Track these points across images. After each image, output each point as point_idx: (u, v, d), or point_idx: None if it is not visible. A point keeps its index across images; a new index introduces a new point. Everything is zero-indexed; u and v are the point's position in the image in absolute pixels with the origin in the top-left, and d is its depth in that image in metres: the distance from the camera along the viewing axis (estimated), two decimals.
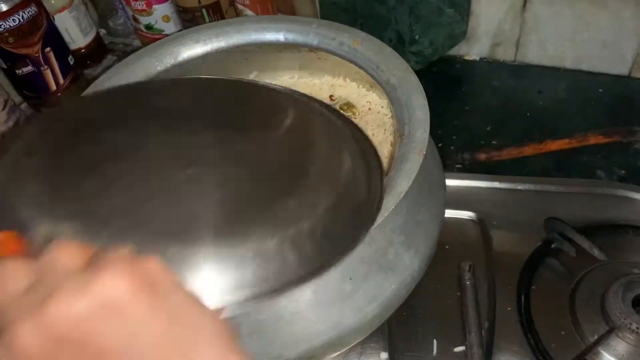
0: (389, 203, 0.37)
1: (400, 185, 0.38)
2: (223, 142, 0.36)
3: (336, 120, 0.40)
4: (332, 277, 0.39)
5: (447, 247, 0.61)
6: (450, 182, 0.65)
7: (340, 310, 0.39)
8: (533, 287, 0.55)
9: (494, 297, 0.55)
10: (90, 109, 0.40)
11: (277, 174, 0.34)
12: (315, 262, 0.30)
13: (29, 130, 0.38)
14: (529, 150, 0.69)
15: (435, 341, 0.53)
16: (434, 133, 0.44)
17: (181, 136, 0.36)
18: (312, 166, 0.35)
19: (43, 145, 0.35)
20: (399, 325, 0.55)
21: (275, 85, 0.44)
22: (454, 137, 0.75)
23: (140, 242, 0.27)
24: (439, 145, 0.72)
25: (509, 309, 0.54)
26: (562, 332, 0.51)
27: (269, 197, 0.32)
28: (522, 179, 0.65)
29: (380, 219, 0.37)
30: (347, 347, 0.42)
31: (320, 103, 0.42)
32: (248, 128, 0.38)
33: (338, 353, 0.42)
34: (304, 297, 0.38)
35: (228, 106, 0.40)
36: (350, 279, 0.39)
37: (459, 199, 0.64)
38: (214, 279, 0.28)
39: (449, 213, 0.63)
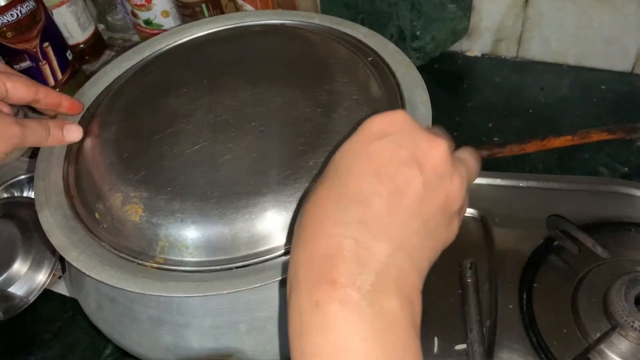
0: None
1: None
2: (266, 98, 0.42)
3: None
4: None
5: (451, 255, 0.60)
6: None
7: None
8: (535, 285, 0.55)
9: (495, 295, 0.55)
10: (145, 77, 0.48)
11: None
12: None
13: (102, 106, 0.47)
14: (531, 147, 0.68)
15: (436, 339, 0.53)
16: None
17: (225, 96, 0.43)
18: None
19: (113, 118, 0.44)
20: None
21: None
22: (455, 133, 0.73)
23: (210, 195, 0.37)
24: None
25: (510, 306, 0.54)
26: (564, 330, 0.51)
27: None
28: (524, 176, 0.64)
29: None
30: None
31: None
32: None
33: None
34: None
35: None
36: None
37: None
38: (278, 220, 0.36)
39: None
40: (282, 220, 0.37)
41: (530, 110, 0.78)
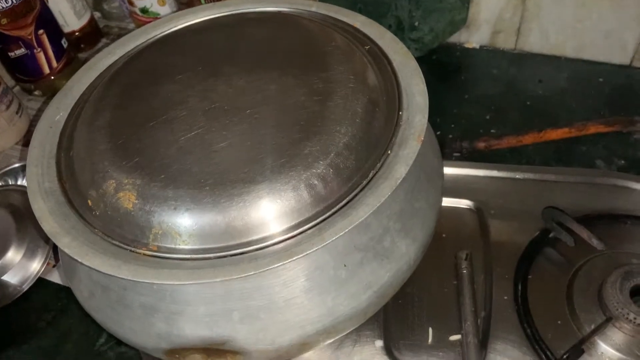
0: (386, 189, 0.37)
1: (397, 171, 0.37)
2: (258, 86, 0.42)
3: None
4: (326, 263, 0.38)
5: (443, 235, 0.60)
6: (448, 171, 0.65)
7: (335, 298, 0.39)
8: (530, 277, 0.55)
9: (490, 286, 0.54)
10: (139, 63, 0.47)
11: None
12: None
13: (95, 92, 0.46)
14: (528, 139, 0.68)
15: (430, 329, 0.53)
16: (432, 121, 0.43)
17: (220, 83, 0.43)
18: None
19: (106, 105, 0.44)
20: (395, 313, 0.54)
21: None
22: (453, 125, 0.74)
23: (204, 183, 0.37)
24: (438, 133, 0.72)
25: (505, 298, 0.54)
26: (559, 322, 0.51)
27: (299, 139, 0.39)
28: (520, 167, 0.64)
29: (377, 204, 0.36)
30: (341, 335, 0.41)
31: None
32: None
33: (332, 340, 0.41)
34: (298, 283, 0.38)
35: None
36: (345, 266, 0.39)
37: (457, 188, 0.63)
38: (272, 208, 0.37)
39: (447, 202, 0.62)
40: (276, 208, 0.36)
41: (528, 103, 0.77)
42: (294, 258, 0.36)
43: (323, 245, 0.35)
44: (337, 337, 0.41)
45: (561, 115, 0.74)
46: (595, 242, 0.52)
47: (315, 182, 0.37)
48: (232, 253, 0.37)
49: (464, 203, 0.62)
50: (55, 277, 0.71)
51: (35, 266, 0.70)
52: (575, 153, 0.69)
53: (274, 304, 0.38)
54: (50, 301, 0.69)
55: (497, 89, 0.80)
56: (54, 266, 0.72)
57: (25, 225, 0.71)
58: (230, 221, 0.36)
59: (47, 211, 0.39)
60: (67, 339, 0.66)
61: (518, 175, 0.63)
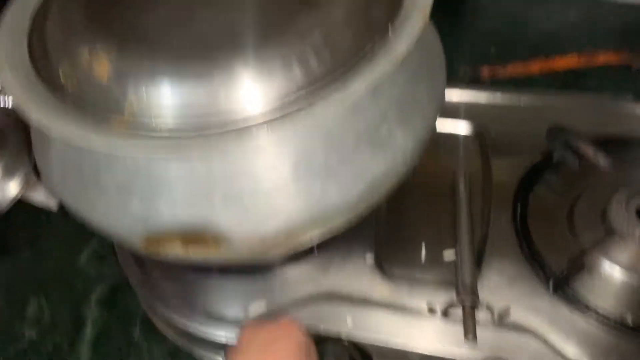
0: (386, 65, 0.34)
1: (399, 47, 0.34)
2: None
3: None
4: (316, 147, 0.35)
5: (442, 160, 0.57)
6: (450, 96, 0.62)
7: (324, 185, 0.36)
8: (530, 199, 0.52)
9: (488, 207, 0.52)
10: None
11: None
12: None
13: None
14: (535, 66, 0.65)
15: (424, 247, 0.50)
16: None
17: None
18: None
19: None
20: (388, 230, 0.52)
21: None
22: (456, 54, 0.71)
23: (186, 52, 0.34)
24: None
25: (503, 219, 0.51)
26: (559, 242, 0.48)
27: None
28: (525, 93, 0.61)
29: (375, 78, 0.33)
30: (329, 229, 0.39)
31: None
32: None
33: (320, 234, 0.39)
34: (284, 165, 0.35)
35: None
36: (337, 152, 0.36)
37: (458, 113, 0.60)
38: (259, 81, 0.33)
39: (447, 127, 0.59)
40: (264, 82, 0.33)
41: (535, 39, 0.74)
42: (282, 132, 0.33)
43: (314, 120, 0.33)
44: (325, 233, 0.39)
45: (570, 48, 0.70)
46: (600, 160, 0.50)
47: (308, 55, 0.34)
48: (213, 132, 0.34)
49: (464, 128, 0.59)
50: (35, 197, 0.68)
51: (14, 187, 0.67)
52: (583, 87, 0.66)
53: (259, 187, 0.35)
54: (30, 222, 0.67)
55: (505, 24, 0.77)
56: (34, 186, 0.69)
57: (4, 145, 0.68)
58: (212, 94, 0.33)
59: (16, 84, 0.36)
60: (47, 257, 0.63)
61: (522, 102, 0.60)
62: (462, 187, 0.52)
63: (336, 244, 0.51)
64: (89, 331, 0.57)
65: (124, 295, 0.58)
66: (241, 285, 0.50)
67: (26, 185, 0.68)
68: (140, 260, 0.53)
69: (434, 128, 0.42)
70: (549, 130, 0.54)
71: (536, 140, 0.56)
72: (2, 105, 0.72)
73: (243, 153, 0.34)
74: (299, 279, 0.49)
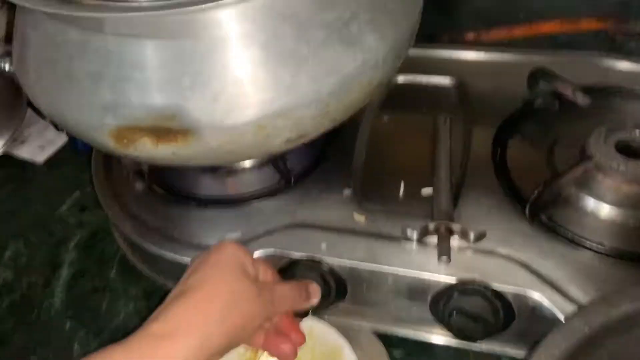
0: None
1: None
2: None
3: None
4: (285, 33, 0.36)
5: (424, 106, 0.58)
6: (432, 53, 0.63)
7: (294, 75, 0.36)
8: (510, 142, 0.52)
9: (468, 146, 0.52)
10: None
11: None
12: None
13: None
14: (518, 31, 0.66)
15: (402, 183, 0.50)
16: None
17: None
18: None
19: None
20: (367, 167, 0.52)
21: None
22: (440, 19, 0.72)
23: None
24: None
25: (482, 159, 0.51)
26: (538, 175, 0.48)
27: None
28: (507, 52, 0.62)
29: None
30: (301, 128, 0.39)
31: None
32: None
33: (291, 135, 0.39)
34: (253, 50, 0.35)
35: None
36: (307, 42, 0.36)
37: (439, 67, 0.61)
38: None
39: (427, 79, 0.60)
40: None
41: (521, 15, 0.75)
42: (251, 15, 0.34)
43: (283, 4, 0.33)
44: (297, 134, 0.39)
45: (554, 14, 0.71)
46: (579, 98, 0.50)
47: None
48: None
49: (445, 81, 0.60)
50: (22, 153, 0.69)
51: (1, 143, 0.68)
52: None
53: (227, 72, 0.35)
54: (16, 175, 0.67)
55: (489, 3, 0.78)
56: (22, 142, 0.70)
57: None
58: None
59: None
60: (29, 206, 0.63)
61: (504, 58, 0.61)
62: (442, 126, 0.53)
63: (314, 179, 0.51)
64: (64, 272, 0.56)
65: (103, 241, 0.58)
66: (218, 216, 0.50)
67: (13, 141, 0.69)
68: (119, 193, 0.53)
69: (407, 46, 0.43)
70: (530, 74, 0.54)
71: (517, 93, 0.56)
72: None
73: (212, 35, 0.35)
74: (275, 211, 0.49)
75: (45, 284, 0.55)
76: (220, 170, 0.53)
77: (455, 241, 0.44)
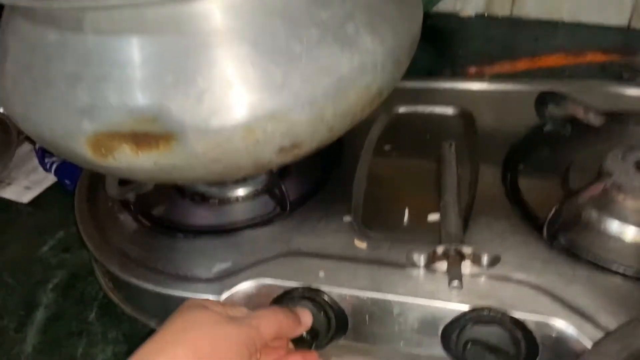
0: None
1: None
2: None
3: None
4: (277, 30, 0.33)
5: (427, 136, 0.55)
6: (436, 85, 0.61)
7: (286, 74, 0.33)
8: (521, 166, 0.49)
9: (476, 174, 0.49)
10: None
11: None
12: None
13: None
14: (522, 64, 0.65)
15: (407, 210, 0.46)
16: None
17: None
18: None
19: None
20: (369, 194, 0.48)
21: None
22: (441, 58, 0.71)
23: None
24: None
25: (491, 184, 0.48)
26: (553, 200, 0.44)
27: None
28: (511, 82, 0.60)
29: None
30: (294, 136, 0.35)
31: None
32: None
33: (284, 146, 0.35)
34: (243, 47, 0.33)
35: None
36: (300, 40, 0.34)
37: (444, 98, 0.59)
38: None
39: (432, 109, 0.58)
40: None
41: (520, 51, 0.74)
42: (240, 9, 0.32)
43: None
44: (291, 147, 0.36)
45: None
46: (592, 118, 0.47)
47: None
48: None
49: (448, 110, 0.57)
50: (6, 194, 0.66)
51: None
52: None
53: (213, 70, 0.33)
54: None
55: (493, 51, 0.78)
56: (8, 184, 0.67)
57: None
58: None
59: None
60: (7, 247, 0.59)
61: (508, 88, 0.59)
62: (447, 151, 0.49)
63: (311, 207, 0.48)
64: (39, 315, 0.51)
65: (84, 282, 0.54)
66: (206, 246, 0.46)
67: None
68: (102, 225, 0.49)
69: (407, 55, 0.41)
70: (538, 98, 0.52)
71: (523, 121, 0.54)
72: None
73: (197, 30, 0.33)
74: (269, 240, 0.45)
75: (17, 329, 0.50)
76: (211, 200, 0.50)
77: (466, 267, 0.40)
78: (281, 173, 0.50)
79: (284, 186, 0.47)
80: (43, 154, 0.66)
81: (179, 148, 0.34)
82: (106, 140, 0.34)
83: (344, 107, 0.36)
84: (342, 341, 0.41)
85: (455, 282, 0.38)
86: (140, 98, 0.33)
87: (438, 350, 0.39)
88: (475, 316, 0.37)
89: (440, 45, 0.80)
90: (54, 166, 0.65)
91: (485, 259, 0.40)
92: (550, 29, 0.81)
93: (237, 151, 0.35)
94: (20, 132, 0.71)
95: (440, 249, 0.40)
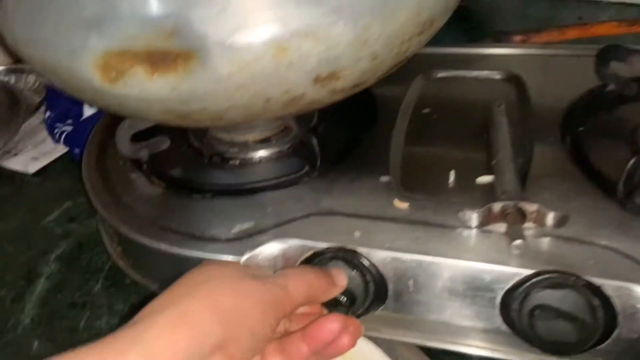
0: None
1: None
2: None
3: None
4: None
5: (471, 100, 0.50)
6: (481, 51, 0.56)
7: None
8: (582, 129, 0.43)
9: (531, 133, 0.43)
10: None
11: None
12: None
13: None
14: (571, 32, 0.59)
15: (453, 172, 0.41)
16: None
17: None
18: None
19: None
20: (405, 156, 0.43)
21: None
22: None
23: None
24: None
25: (549, 145, 0.42)
26: (621, 160, 0.38)
27: None
28: (564, 46, 0.54)
29: None
30: (331, 62, 0.30)
31: None
32: None
33: (318, 67, 0.30)
34: None
35: None
36: None
37: (489, 62, 0.54)
38: None
39: (476, 73, 0.53)
40: None
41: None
42: None
43: None
44: (326, 61, 0.30)
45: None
46: None
47: None
48: None
49: (497, 74, 0.52)
50: (13, 164, 0.61)
51: None
52: None
53: None
54: (2, 185, 0.59)
55: (534, 24, 0.73)
56: (15, 154, 0.62)
57: None
58: None
59: None
60: (10, 216, 0.55)
61: (561, 52, 0.53)
62: (496, 111, 0.44)
63: (342, 167, 0.42)
64: (40, 286, 0.46)
65: (90, 252, 0.49)
66: (225, 206, 0.41)
67: (5, 154, 0.62)
68: (112, 185, 0.44)
69: None
70: (600, 52, 0.46)
71: (578, 85, 0.48)
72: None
73: None
74: (295, 200, 0.40)
75: (15, 299, 0.45)
76: (231, 161, 0.45)
77: (528, 228, 0.34)
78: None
79: (314, 144, 0.41)
80: (53, 122, 0.62)
81: (199, 69, 0.29)
82: (117, 61, 0.30)
83: (391, 29, 0.31)
84: (380, 312, 0.36)
85: (518, 242, 0.32)
86: (156, 7, 0.28)
87: (494, 321, 0.33)
88: (543, 280, 0.31)
89: (480, 19, 0.75)
90: (64, 135, 0.61)
91: (550, 219, 0.34)
92: (594, 7, 0.75)
93: (266, 76, 0.30)
94: (29, 104, 0.68)
95: (497, 207, 0.35)
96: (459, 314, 0.34)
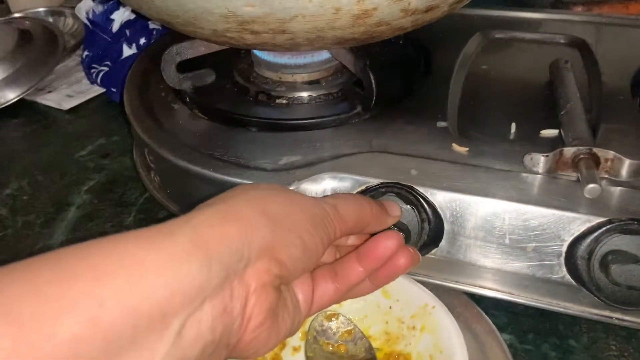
0: None
1: None
2: None
3: None
4: None
5: (531, 59, 0.47)
6: (539, 16, 0.53)
7: None
8: None
9: (599, 88, 0.41)
10: None
11: None
12: None
13: None
14: (635, 8, 0.56)
15: (514, 124, 0.39)
16: None
17: None
18: None
19: None
20: (462, 105, 0.41)
21: None
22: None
23: None
24: None
25: (619, 100, 0.40)
26: None
27: None
28: (628, 18, 0.52)
29: None
30: None
31: None
32: None
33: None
34: None
35: None
36: None
37: (551, 26, 0.51)
38: None
39: (541, 36, 0.50)
40: None
41: None
42: None
43: None
44: None
45: None
46: None
47: None
48: None
49: (559, 38, 0.49)
50: (47, 101, 0.60)
51: (12, 95, 0.59)
52: None
53: None
54: (33, 118, 0.58)
55: None
56: (49, 92, 0.61)
57: (29, 47, 0.62)
58: None
59: None
60: (44, 149, 0.53)
61: (625, 21, 0.51)
62: (562, 67, 0.42)
63: (397, 111, 0.40)
64: (71, 214, 0.45)
65: (123, 187, 0.47)
66: (272, 139, 0.39)
67: (40, 90, 0.61)
68: (152, 111, 0.42)
69: None
70: None
71: None
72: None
73: None
74: (347, 138, 0.38)
75: (44, 224, 0.44)
76: (278, 100, 0.43)
77: (601, 176, 0.32)
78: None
79: (374, 78, 0.39)
80: (90, 62, 0.61)
81: None
82: None
83: None
84: (431, 255, 0.33)
85: (592, 186, 0.30)
86: None
87: (557, 271, 0.31)
88: (617, 227, 0.29)
89: None
90: (100, 74, 0.59)
91: (626, 167, 0.32)
92: None
93: None
94: (66, 46, 0.66)
95: (569, 152, 0.32)
96: (517, 262, 0.32)
